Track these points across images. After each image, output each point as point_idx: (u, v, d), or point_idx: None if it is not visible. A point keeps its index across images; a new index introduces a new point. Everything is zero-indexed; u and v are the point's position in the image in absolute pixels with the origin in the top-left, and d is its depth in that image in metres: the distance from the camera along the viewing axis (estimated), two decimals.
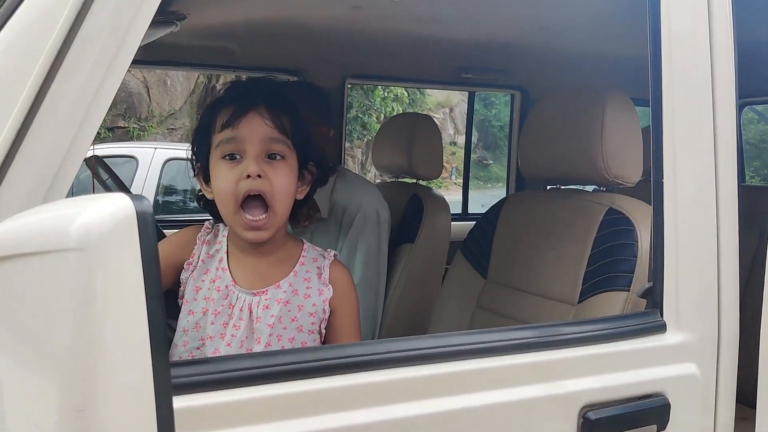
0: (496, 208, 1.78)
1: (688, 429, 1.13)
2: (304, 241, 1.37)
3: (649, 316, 1.12)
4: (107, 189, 1.87)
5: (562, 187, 1.67)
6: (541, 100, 1.63)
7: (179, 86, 8.90)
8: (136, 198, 0.64)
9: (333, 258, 1.33)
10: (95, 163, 1.78)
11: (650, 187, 1.29)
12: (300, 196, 1.31)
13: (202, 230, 1.33)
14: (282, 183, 1.22)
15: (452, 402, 0.95)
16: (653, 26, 1.11)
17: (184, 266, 1.30)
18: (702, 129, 1.13)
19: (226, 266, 1.27)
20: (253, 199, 1.20)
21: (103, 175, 1.82)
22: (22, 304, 0.64)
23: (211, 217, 1.34)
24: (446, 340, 1.00)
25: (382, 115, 11.63)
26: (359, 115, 11.15)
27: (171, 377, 0.68)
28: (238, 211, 1.20)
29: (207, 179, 1.28)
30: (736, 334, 1.17)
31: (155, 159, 4.95)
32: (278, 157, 1.23)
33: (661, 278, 1.12)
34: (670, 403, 1.09)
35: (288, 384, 0.84)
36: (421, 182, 2.35)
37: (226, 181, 1.21)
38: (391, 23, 2.22)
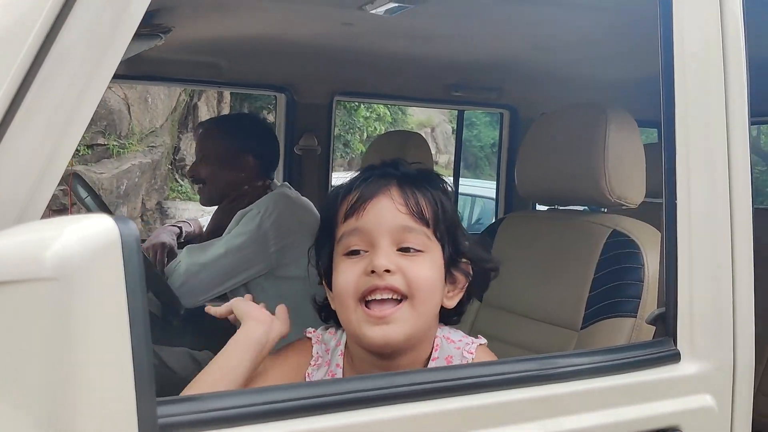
0: (492, 229, 1.72)
1: None
2: (439, 327, 1.06)
3: (662, 345, 1.06)
4: (87, 210, 1.78)
5: (560, 208, 1.62)
6: (541, 117, 1.58)
7: (160, 104, 8.80)
8: (121, 220, 0.57)
9: (473, 355, 1.02)
10: (74, 180, 1.69)
11: (649, 209, 1.24)
12: (450, 304, 1.04)
13: (312, 361, 1.07)
14: (422, 273, 0.97)
15: None
16: (665, 43, 1.07)
17: None
18: (716, 149, 1.09)
19: None
20: (381, 302, 0.96)
21: (82, 194, 1.72)
22: None
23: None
24: (433, 374, 0.91)
25: (365, 135, 11.64)
26: (342, 133, 11.15)
27: (157, 417, 0.62)
28: (359, 305, 0.96)
29: (331, 284, 1.04)
30: (752, 363, 1.11)
31: None
32: (412, 251, 0.98)
33: (674, 304, 1.06)
34: None
35: (283, 423, 0.77)
36: None
37: (345, 280, 0.97)
38: (382, 40, 2.18)
